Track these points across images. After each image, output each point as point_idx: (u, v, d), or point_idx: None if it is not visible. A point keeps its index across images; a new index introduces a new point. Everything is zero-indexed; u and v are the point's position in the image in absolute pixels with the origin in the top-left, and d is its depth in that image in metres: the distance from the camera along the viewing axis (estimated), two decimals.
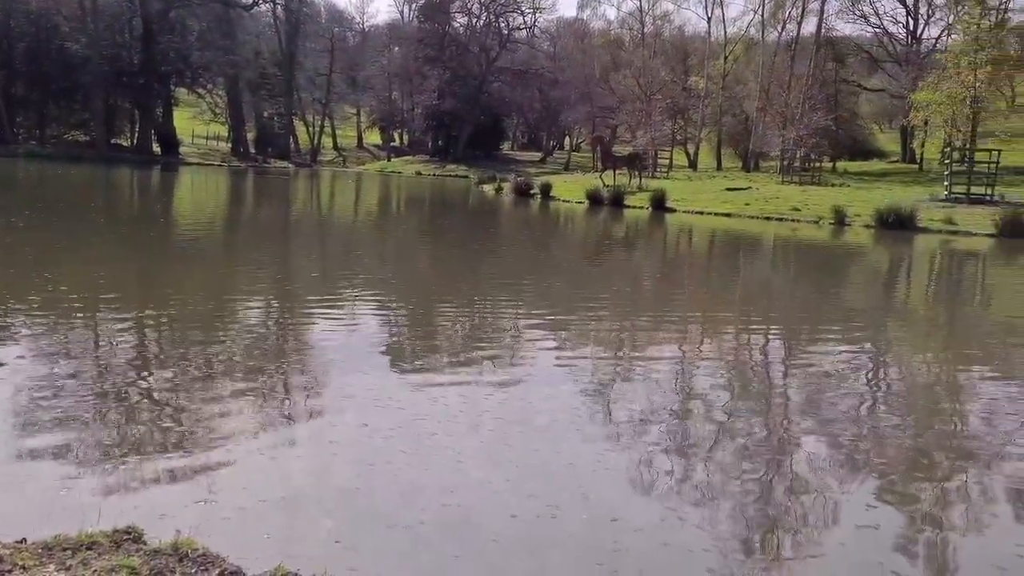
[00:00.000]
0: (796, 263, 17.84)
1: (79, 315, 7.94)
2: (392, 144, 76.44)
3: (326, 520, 3.86)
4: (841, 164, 48.91)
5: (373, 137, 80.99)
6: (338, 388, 5.92)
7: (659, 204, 28.34)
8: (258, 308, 9.29)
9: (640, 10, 64.69)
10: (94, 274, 10.46)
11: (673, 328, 9.39)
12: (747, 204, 28.22)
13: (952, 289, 14.75)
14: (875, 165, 51.28)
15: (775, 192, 31.87)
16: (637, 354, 7.90)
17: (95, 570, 3.01)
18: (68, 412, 5.02)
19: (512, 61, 69.78)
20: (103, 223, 17.96)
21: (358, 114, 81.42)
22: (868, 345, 8.93)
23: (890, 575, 3.60)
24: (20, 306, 8.14)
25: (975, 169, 28.54)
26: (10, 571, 2.99)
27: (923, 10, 53.70)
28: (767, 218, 25.86)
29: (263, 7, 66.21)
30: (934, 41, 52.46)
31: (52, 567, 3.03)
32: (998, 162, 28.12)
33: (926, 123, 36.75)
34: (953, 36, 42.10)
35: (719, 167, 54.34)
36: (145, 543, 3.31)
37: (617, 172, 34.92)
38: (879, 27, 56.69)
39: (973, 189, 27.62)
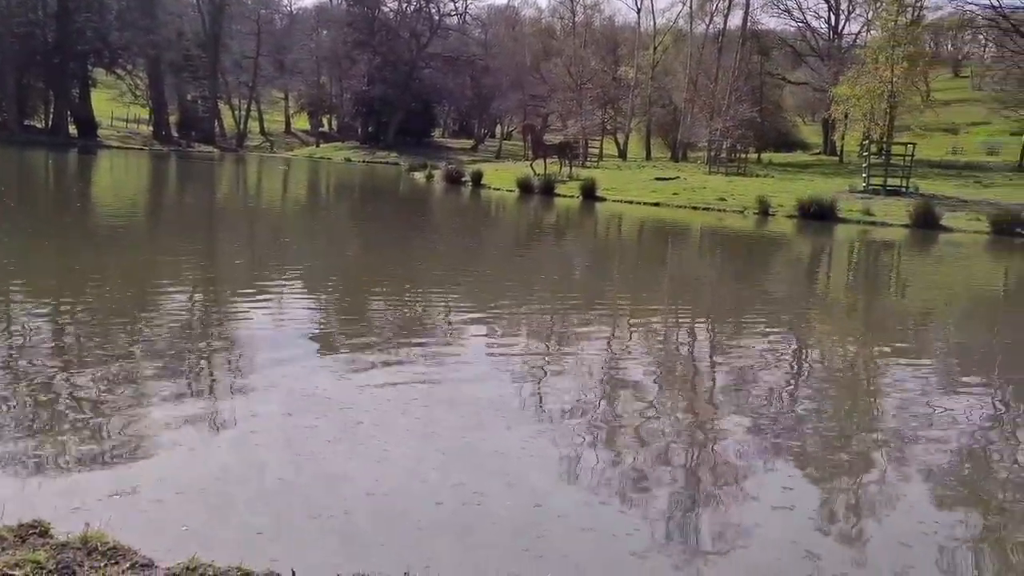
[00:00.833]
0: (722, 252, 18.22)
1: None
2: (321, 130, 74.99)
3: (247, 511, 3.79)
4: (766, 155, 50.03)
5: (301, 122, 79.28)
6: (263, 377, 5.82)
7: (589, 193, 28.58)
8: (180, 296, 9.05)
9: None
10: (3, 261, 10.03)
11: (602, 317, 9.51)
12: (675, 194, 28.70)
13: (869, 277, 15.29)
14: (798, 157, 52.63)
15: (702, 182, 32.45)
16: (565, 343, 7.97)
17: None
18: None
19: (443, 47, 69.06)
20: (13, 207, 17.21)
21: (286, 99, 79.59)
22: (789, 331, 9.21)
23: (804, 552, 3.73)
24: None
25: (891, 162, 29.67)
26: None
27: (844, 6, 55.52)
28: (694, 208, 26.34)
29: None
30: (854, 36, 54.22)
31: None
32: (913, 155, 29.42)
33: (846, 116, 37.84)
34: (872, 32, 43.41)
35: (648, 157, 54.96)
36: (52, 537, 3.20)
37: (548, 161, 35.04)
38: (802, 21, 58.47)
39: (889, 181, 28.69)
